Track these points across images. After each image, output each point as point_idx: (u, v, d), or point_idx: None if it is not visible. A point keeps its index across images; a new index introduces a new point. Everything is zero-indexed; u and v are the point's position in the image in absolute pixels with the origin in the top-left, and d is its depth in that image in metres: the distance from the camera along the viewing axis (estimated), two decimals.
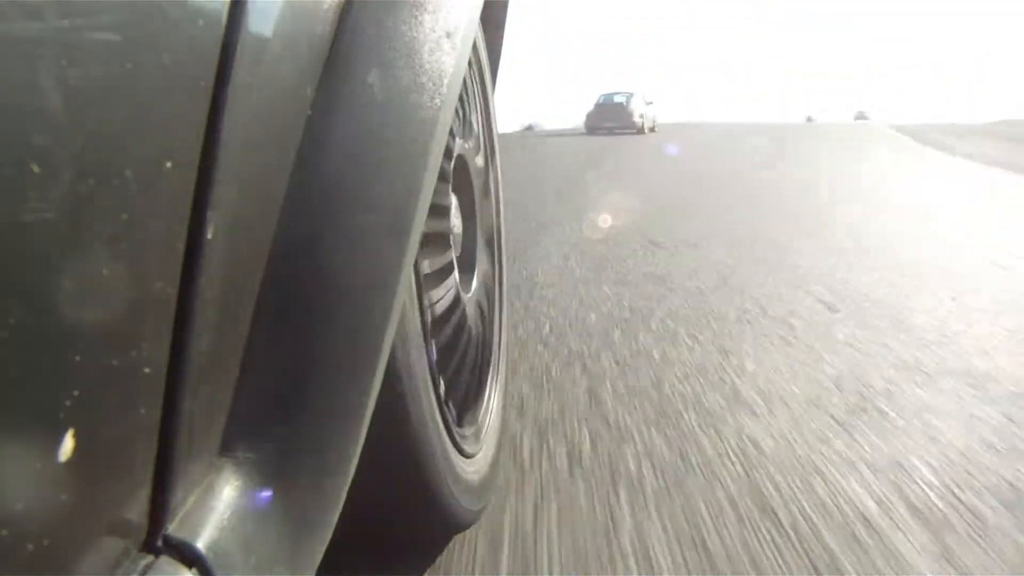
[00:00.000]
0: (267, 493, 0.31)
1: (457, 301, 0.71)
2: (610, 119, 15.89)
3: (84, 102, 0.21)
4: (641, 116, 15.75)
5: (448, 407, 0.63)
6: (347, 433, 0.37)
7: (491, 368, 0.91)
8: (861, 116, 44.32)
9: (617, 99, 16.19)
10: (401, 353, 0.49)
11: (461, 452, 0.67)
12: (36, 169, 0.20)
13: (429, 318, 0.58)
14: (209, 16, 0.26)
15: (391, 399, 0.50)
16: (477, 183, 0.88)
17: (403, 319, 0.48)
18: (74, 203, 0.21)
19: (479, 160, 0.90)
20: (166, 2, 0.25)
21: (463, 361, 0.72)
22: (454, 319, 0.69)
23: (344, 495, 0.38)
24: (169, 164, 0.25)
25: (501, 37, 1.08)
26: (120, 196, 0.23)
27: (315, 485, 0.35)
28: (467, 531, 0.74)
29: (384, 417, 0.50)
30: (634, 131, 15.55)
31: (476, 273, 0.86)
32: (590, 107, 16.61)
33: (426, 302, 0.57)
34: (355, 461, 0.38)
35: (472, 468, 0.69)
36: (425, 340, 0.55)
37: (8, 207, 0.19)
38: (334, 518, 0.37)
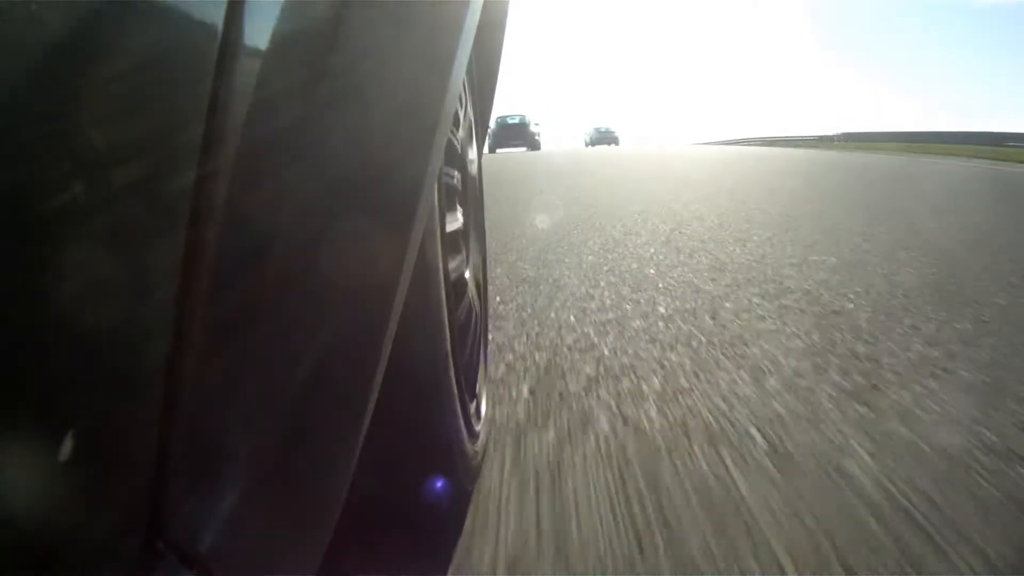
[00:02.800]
0: (267, 493, 0.31)
1: (465, 285, 0.74)
2: (513, 137, 18.38)
3: (84, 102, 0.21)
4: (537, 135, 18.37)
5: (463, 384, 0.65)
6: (347, 432, 0.37)
7: (480, 348, 0.93)
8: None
9: (512, 120, 18.75)
10: (431, 331, 0.51)
11: (471, 431, 0.70)
12: (36, 169, 0.20)
13: (451, 299, 0.61)
14: (209, 15, 0.26)
15: (423, 377, 0.52)
16: (469, 178, 0.90)
17: (433, 299, 0.51)
18: (74, 203, 0.21)
19: (471, 155, 0.92)
20: (166, 2, 0.25)
21: (470, 341, 0.75)
22: (463, 301, 0.72)
23: (344, 495, 0.38)
24: (169, 164, 0.25)
25: (501, 38, 1.08)
26: (120, 196, 0.23)
27: (315, 485, 0.35)
28: None
29: (416, 394, 0.53)
30: (530, 148, 17.76)
31: (470, 261, 0.88)
32: (491, 127, 18.18)
33: (449, 285, 0.59)
34: (355, 460, 0.38)
35: (475, 447, 0.73)
36: (450, 318, 0.57)
37: (8, 207, 0.19)
38: (334, 518, 0.37)
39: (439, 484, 0.63)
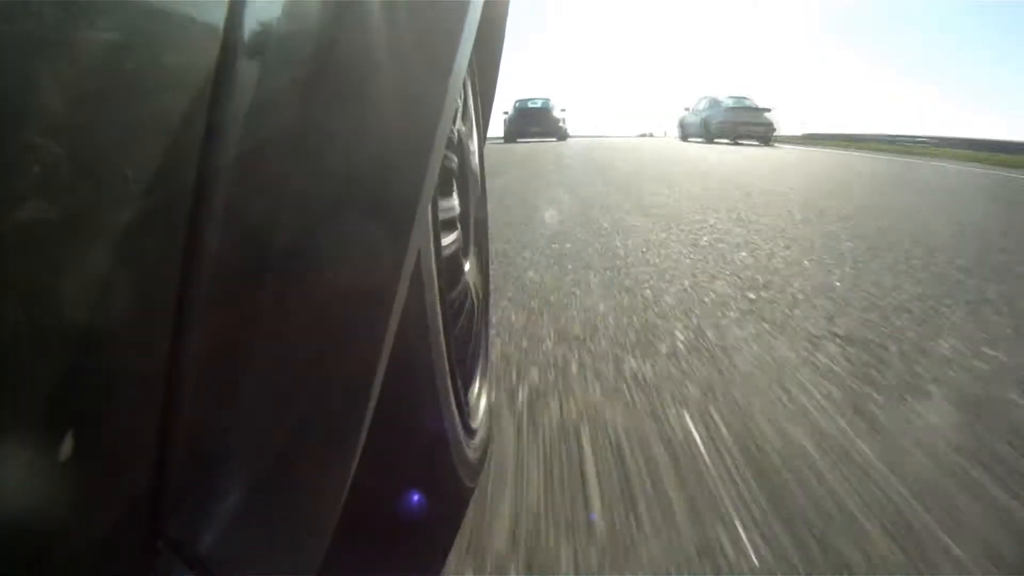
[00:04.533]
0: (267, 493, 0.31)
1: (463, 279, 0.75)
2: (534, 125, 15.35)
3: (84, 102, 0.21)
4: (562, 122, 15.47)
5: (458, 380, 0.65)
6: (347, 433, 0.37)
7: (481, 344, 0.93)
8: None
9: (533, 105, 15.78)
10: (426, 326, 0.51)
11: (467, 429, 0.70)
12: (36, 169, 0.20)
13: (446, 291, 0.61)
14: (209, 16, 0.26)
15: (415, 367, 0.52)
16: (469, 173, 0.90)
17: (427, 292, 0.51)
18: (74, 203, 0.21)
19: (472, 152, 0.92)
20: (167, 2, 0.25)
21: (467, 335, 0.74)
22: (460, 295, 0.72)
23: (344, 495, 0.38)
24: (169, 164, 0.25)
25: (501, 37, 1.08)
26: (120, 196, 0.23)
27: (315, 485, 0.35)
28: None
29: (408, 388, 0.53)
30: (556, 138, 15.20)
31: (470, 257, 0.88)
32: (509, 113, 15.88)
33: (445, 279, 0.59)
34: (355, 460, 0.38)
35: (473, 445, 0.73)
36: (444, 313, 0.57)
37: (8, 207, 0.19)
38: (334, 518, 0.37)
39: (416, 498, 0.63)
